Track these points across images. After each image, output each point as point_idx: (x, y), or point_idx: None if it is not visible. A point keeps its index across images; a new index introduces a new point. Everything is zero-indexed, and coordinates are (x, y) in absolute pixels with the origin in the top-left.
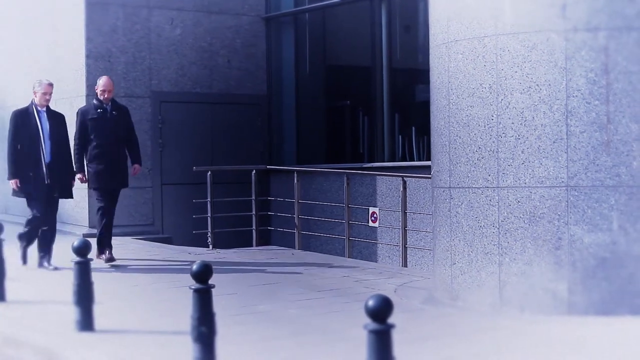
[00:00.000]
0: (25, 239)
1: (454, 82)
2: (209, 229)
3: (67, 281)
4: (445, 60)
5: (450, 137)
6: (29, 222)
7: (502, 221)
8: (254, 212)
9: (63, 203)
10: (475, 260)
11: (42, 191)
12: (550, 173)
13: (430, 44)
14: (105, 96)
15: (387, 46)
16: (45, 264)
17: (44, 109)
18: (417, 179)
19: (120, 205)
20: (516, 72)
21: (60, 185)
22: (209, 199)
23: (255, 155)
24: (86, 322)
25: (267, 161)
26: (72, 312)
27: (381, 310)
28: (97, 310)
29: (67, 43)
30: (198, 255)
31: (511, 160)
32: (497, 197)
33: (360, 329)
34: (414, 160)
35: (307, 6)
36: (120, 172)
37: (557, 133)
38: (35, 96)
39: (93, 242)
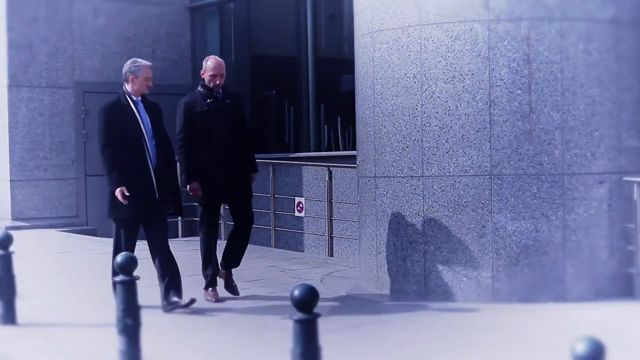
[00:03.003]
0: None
1: (379, 72)
2: None
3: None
4: (370, 50)
5: (375, 126)
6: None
7: (426, 210)
8: None
9: None
10: (401, 249)
11: (150, 208)
12: (474, 162)
13: (355, 33)
14: (217, 82)
15: (312, 36)
16: (175, 298)
17: (139, 98)
18: (342, 168)
19: (44, 197)
20: (440, 61)
21: (169, 198)
22: None
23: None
24: (8, 316)
25: None
26: None
27: (307, 300)
28: (21, 304)
29: None
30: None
31: (435, 150)
32: (421, 186)
33: (288, 319)
34: (339, 150)
35: None
36: (240, 180)
37: (481, 122)
38: (131, 82)
39: (18, 234)
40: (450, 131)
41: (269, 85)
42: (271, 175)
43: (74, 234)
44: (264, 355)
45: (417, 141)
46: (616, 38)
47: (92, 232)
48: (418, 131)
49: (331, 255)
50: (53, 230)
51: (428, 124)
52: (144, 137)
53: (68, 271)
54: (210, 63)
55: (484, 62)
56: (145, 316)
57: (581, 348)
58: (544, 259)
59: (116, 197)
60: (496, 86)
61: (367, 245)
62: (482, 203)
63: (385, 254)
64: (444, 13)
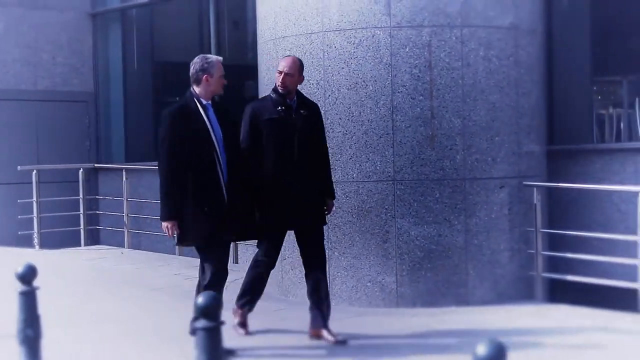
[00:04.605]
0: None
1: None
2: (35, 230)
3: None
4: (273, 57)
5: None
6: (208, 289)
7: (330, 216)
8: (81, 212)
9: None
10: None
11: (222, 233)
12: (378, 167)
13: (258, 40)
14: (281, 81)
15: (215, 42)
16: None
17: (209, 102)
18: None
19: None
20: (343, 68)
21: (243, 220)
22: (34, 199)
23: (83, 153)
24: None
25: (95, 159)
26: None
27: (211, 307)
28: None
29: None
30: (23, 256)
31: (339, 156)
32: None
33: (193, 327)
34: None
35: (134, 2)
36: (314, 202)
37: (384, 128)
38: (204, 83)
39: None
40: (354, 137)
41: (172, 92)
42: None
43: None
44: None
45: None
46: (515, 45)
47: None
48: None
49: (236, 262)
50: None
51: (331, 130)
52: (215, 149)
53: None
54: (282, 61)
55: (386, 69)
56: (49, 325)
57: (482, 350)
58: (446, 263)
59: (187, 222)
60: (398, 92)
61: None
62: (386, 208)
63: (289, 260)
64: (346, 20)
